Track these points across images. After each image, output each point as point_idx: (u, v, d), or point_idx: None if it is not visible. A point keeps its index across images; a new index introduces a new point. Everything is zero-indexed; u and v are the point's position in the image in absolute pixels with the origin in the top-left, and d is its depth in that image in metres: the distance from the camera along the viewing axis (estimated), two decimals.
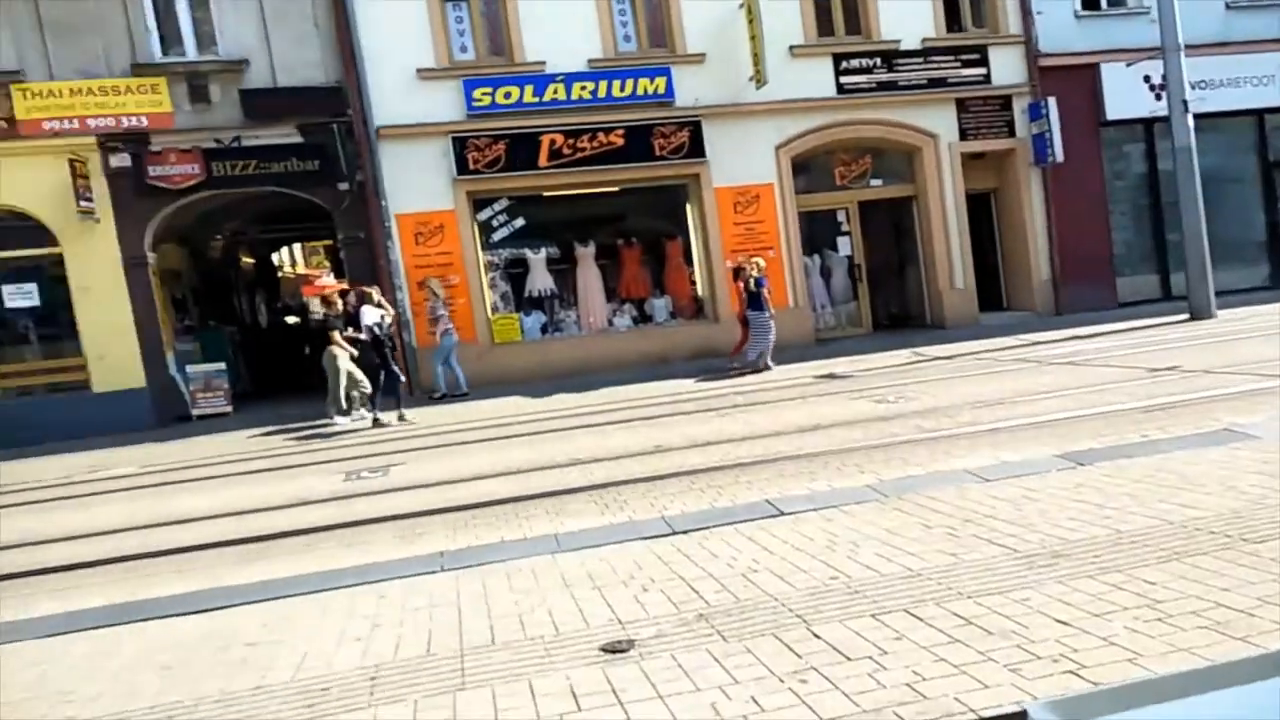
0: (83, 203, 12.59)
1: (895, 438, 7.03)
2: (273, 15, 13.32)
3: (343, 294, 12.25)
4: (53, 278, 13.23)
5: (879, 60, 15.32)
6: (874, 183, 16.20)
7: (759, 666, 3.06)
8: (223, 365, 14.14)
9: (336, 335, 11.52)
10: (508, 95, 13.94)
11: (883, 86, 15.36)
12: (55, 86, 12.76)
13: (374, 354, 11.68)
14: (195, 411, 13.49)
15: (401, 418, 11.29)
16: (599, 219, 15.43)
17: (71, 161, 12.54)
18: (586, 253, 15.08)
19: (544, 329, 15.00)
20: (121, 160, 12.98)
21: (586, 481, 6.67)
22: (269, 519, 6.59)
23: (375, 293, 12.16)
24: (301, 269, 29.09)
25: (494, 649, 3.50)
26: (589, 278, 15.13)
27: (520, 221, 14.69)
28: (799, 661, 3.07)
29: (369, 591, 4.37)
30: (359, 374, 11.56)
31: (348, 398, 11.65)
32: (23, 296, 13.27)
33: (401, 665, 3.45)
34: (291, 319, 23.83)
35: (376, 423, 11.09)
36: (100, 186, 12.90)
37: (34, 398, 13.26)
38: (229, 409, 13.64)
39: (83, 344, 13.15)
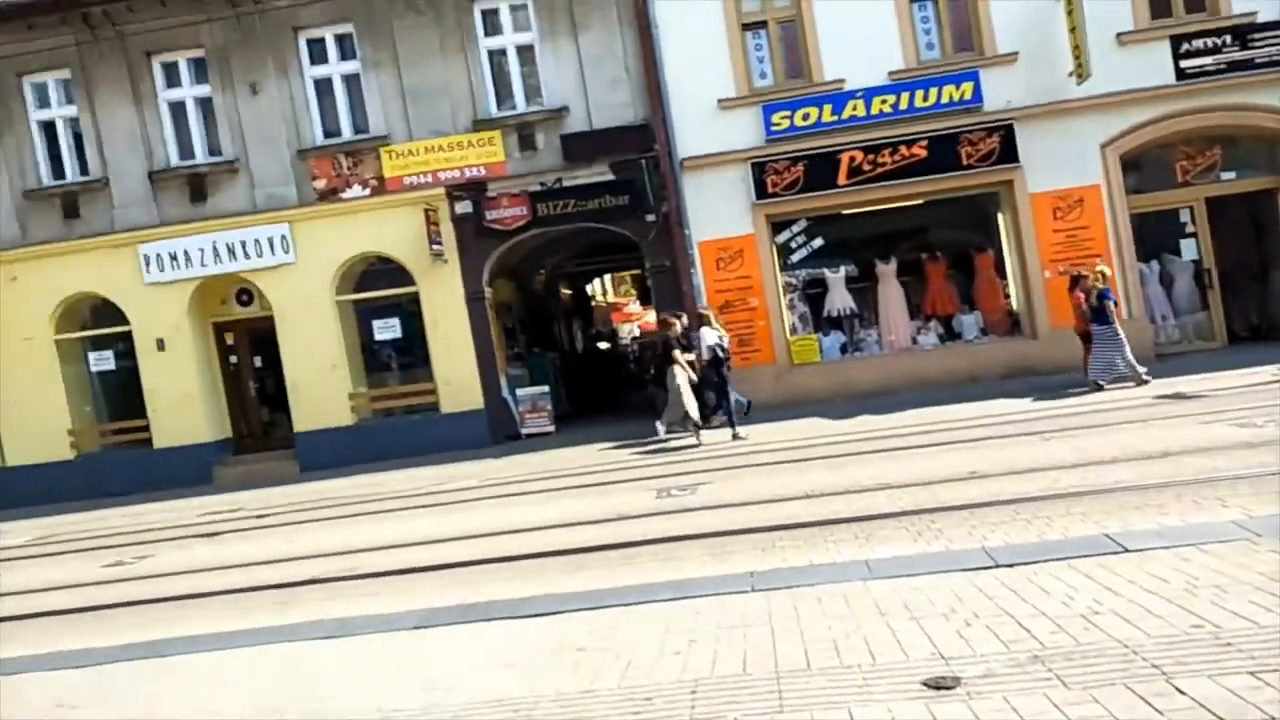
0: (434, 246, 14.36)
1: (1265, 468, 6.08)
2: (589, 64, 14.42)
3: (675, 315, 12.81)
4: (410, 313, 15.20)
5: (1228, 38, 13.43)
6: (1225, 176, 14.16)
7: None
8: (546, 388, 15.43)
9: (678, 355, 12.08)
10: (806, 116, 13.96)
11: (1234, 66, 13.43)
12: (413, 146, 14.71)
13: (713, 374, 12.11)
14: (524, 431, 14.81)
15: (735, 436, 11.54)
16: (901, 234, 14.93)
17: (426, 210, 14.36)
18: (888, 269, 14.64)
19: (843, 349, 14.75)
20: (464, 207, 14.66)
21: (896, 507, 6.45)
22: (590, 532, 7.05)
23: (713, 315, 12.64)
24: (611, 298, 31.06)
25: (810, 674, 3.48)
26: (890, 295, 14.67)
27: (819, 241, 14.60)
28: (1160, 719, 2.74)
29: (684, 607, 4.53)
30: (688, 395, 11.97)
31: (682, 416, 12.09)
32: (388, 330, 15.39)
33: (719, 682, 3.53)
34: (603, 344, 25.52)
35: (735, 437, 11.43)
36: (448, 231, 14.64)
37: (394, 418, 15.28)
38: (551, 429, 14.83)
39: (434, 370, 14.95)
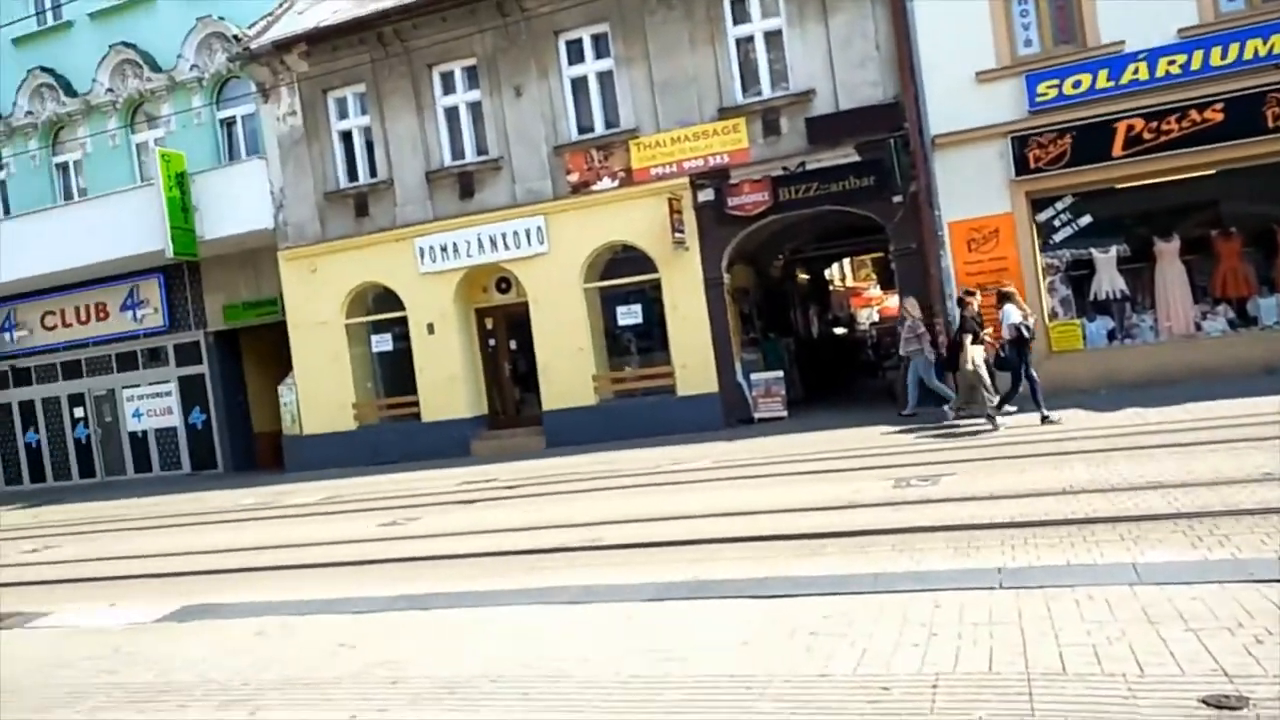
0: (676, 234, 14.66)
1: None
2: (837, 44, 14.06)
3: (968, 294, 12.21)
4: (651, 299, 15.63)
5: None
6: None
7: None
8: (781, 373, 15.33)
9: (967, 340, 11.57)
10: (1077, 84, 12.79)
11: None
12: (660, 138, 15.08)
13: (1013, 354, 11.52)
14: (756, 415, 14.80)
15: (1045, 419, 10.86)
16: (1185, 208, 13.32)
17: (669, 200, 14.68)
18: (1168, 248, 13.12)
19: (1110, 335, 13.42)
20: (706, 195, 14.84)
21: (1170, 508, 5.79)
22: (824, 518, 6.92)
23: (1015, 292, 11.96)
24: (850, 282, 30.25)
25: (1065, 679, 3.21)
26: (1171, 276, 13.14)
27: (1086, 219, 13.35)
28: None
29: (924, 599, 4.33)
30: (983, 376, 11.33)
31: (968, 399, 11.55)
32: (630, 315, 15.93)
33: (963, 679, 3.34)
34: (839, 330, 24.93)
35: (1045, 420, 10.75)
36: (689, 219, 14.89)
37: (633, 400, 15.80)
38: (784, 413, 14.70)
39: (671, 354, 15.30)
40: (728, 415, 14.71)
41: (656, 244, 15.00)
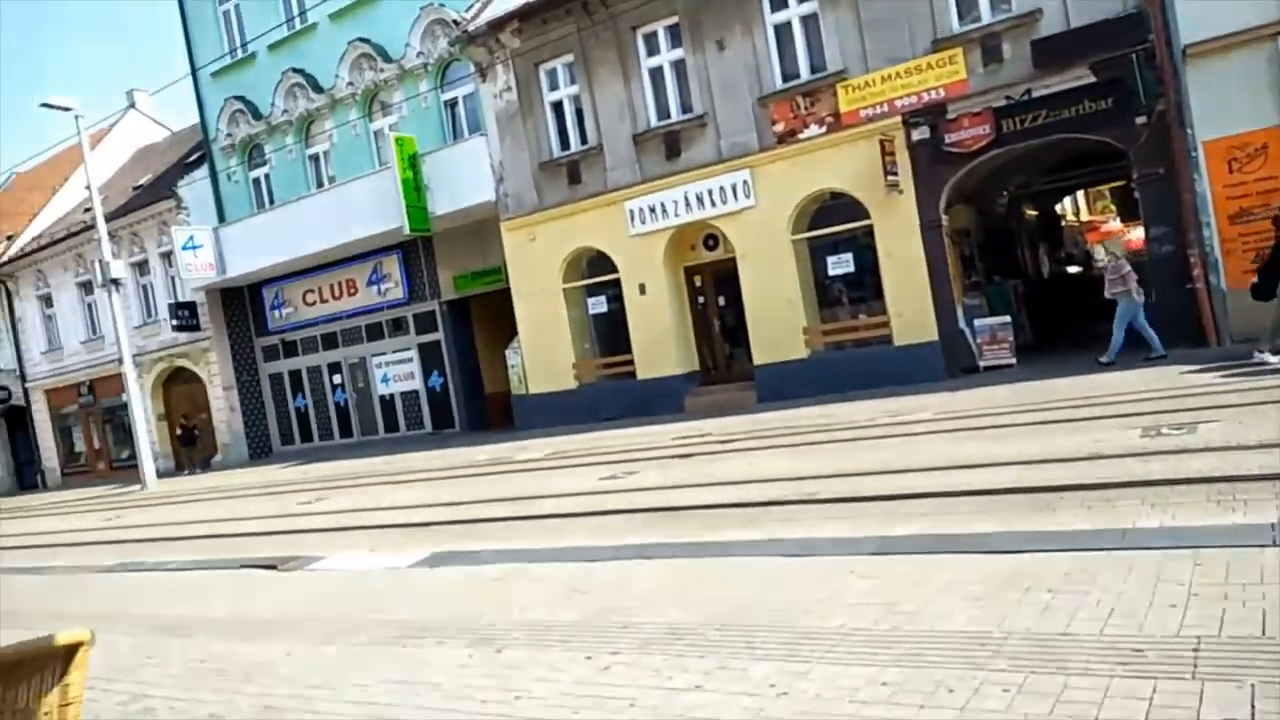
0: (889, 177, 14.06)
1: None
2: None
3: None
4: (863, 246, 15.13)
5: None
6: None
7: None
8: (1008, 318, 14.43)
9: None
10: None
11: None
12: (870, 78, 14.47)
13: None
14: (981, 363, 14.03)
15: None
16: None
17: (881, 141, 14.08)
18: None
19: None
20: (921, 133, 14.10)
21: None
22: (1061, 470, 6.48)
23: None
24: (1085, 216, 27.78)
25: None
26: None
27: None
28: None
29: (1181, 557, 3.97)
30: None
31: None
32: (841, 265, 15.52)
33: (1231, 643, 3.04)
34: (1074, 269, 23.01)
35: None
36: (903, 160, 14.22)
37: (845, 351, 15.44)
38: (1013, 360, 13.84)
39: (886, 303, 14.77)
40: (950, 364, 14.07)
41: (867, 189, 14.47)
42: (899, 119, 14.17)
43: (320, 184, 22.59)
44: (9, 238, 32.14)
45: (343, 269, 22.31)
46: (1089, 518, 5.12)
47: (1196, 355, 11.34)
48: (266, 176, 23.91)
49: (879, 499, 6.57)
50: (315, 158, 22.93)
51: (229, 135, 24.07)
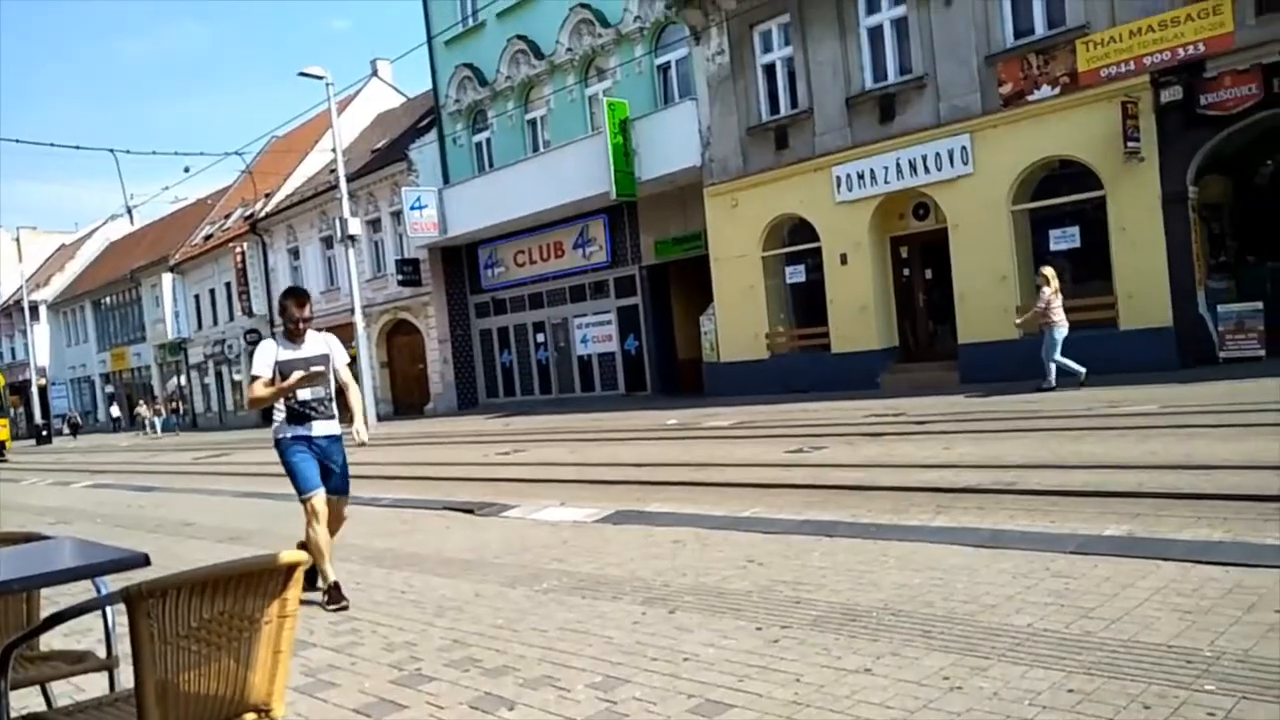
0: (1129, 144, 12.85)
1: None
2: None
3: None
4: (1092, 220, 13.97)
5: None
6: None
7: None
8: (1259, 305, 12.88)
9: None
10: None
11: None
12: (1116, 32, 13.23)
13: None
14: (1222, 354, 12.64)
15: None
16: None
17: (1124, 103, 12.87)
18: None
19: None
20: (1173, 94, 12.76)
21: None
22: None
23: None
24: None
25: None
26: None
27: None
28: None
29: None
30: None
31: None
32: (1065, 239, 14.42)
33: None
34: None
35: None
36: (1147, 125, 12.95)
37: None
38: (1261, 353, 12.38)
39: (1115, 282, 13.57)
40: (1184, 353, 12.79)
41: (1103, 156, 13.31)
42: (1146, 78, 12.90)
43: (536, 148, 23.55)
44: (266, 195, 35.89)
45: (551, 231, 23.22)
46: None
47: None
48: (488, 140, 25.21)
49: (1085, 494, 6.10)
50: (533, 122, 23.90)
51: (457, 101, 25.53)
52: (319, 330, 5.31)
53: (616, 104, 19.66)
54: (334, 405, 5.21)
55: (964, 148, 14.83)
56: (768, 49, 17.69)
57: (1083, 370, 12.29)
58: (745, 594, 4.50)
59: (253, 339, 36.05)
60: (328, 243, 30.91)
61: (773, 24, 17.49)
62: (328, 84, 23.94)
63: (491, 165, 24.68)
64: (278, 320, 5.47)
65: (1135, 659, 3.17)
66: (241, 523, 8.94)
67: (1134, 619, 3.56)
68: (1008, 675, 3.14)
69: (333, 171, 26.68)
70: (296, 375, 4.92)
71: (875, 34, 16.10)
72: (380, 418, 24.97)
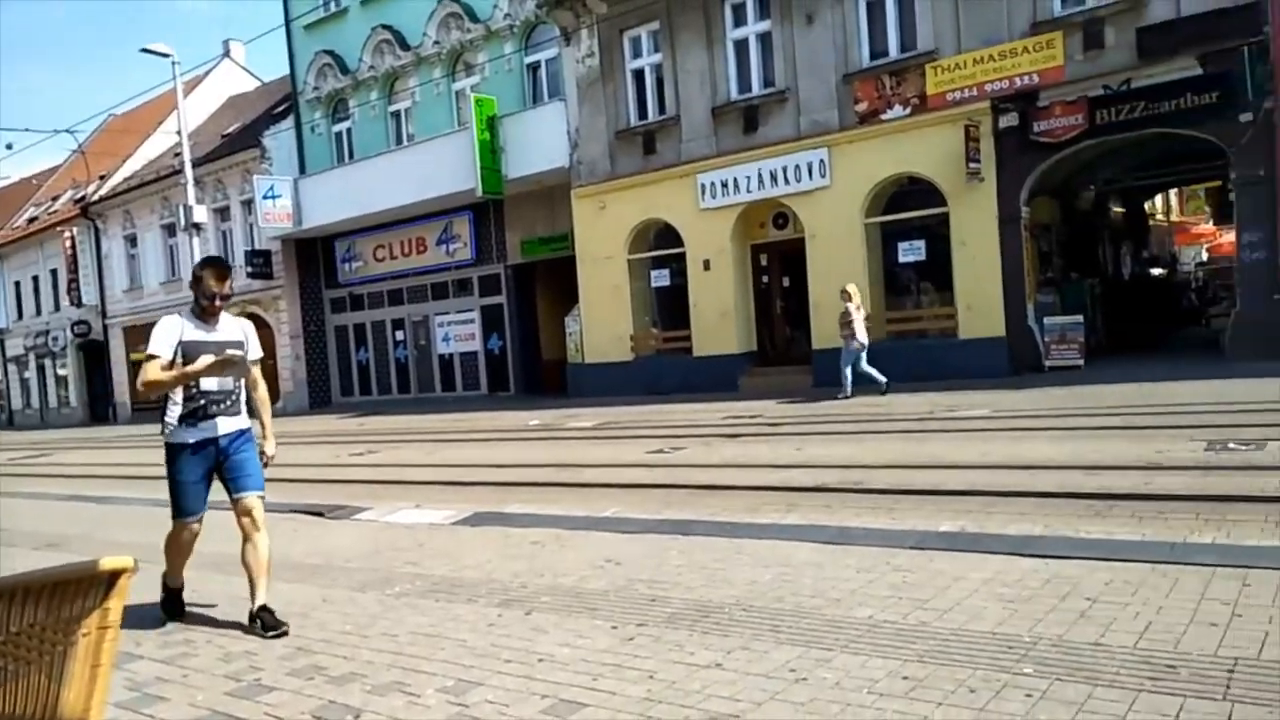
0: (971, 164, 13.67)
1: None
2: None
3: None
4: (937, 235, 14.80)
5: None
6: None
7: None
8: (1080, 318, 14.01)
9: None
10: None
11: None
12: (961, 59, 14.04)
13: None
14: (1047, 363, 13.65)
15: None
16: None
17: (966, 127, 13.68)
18: None
19: None
20: (1009, 120, 13.66)
21: None
22: (1115, 478, 6.29)
23: None
24: (1175, 216, 26.67)
25: None
26: None
27: None
28: None
29: (1229, 576, 3.82)
30: None
31: None
32: (912, 252, 15.21)
33: (1269, 667, 2.92)
34: (1157, 271, 22.16)
35: None
36: (987, 148, 13.82)
37: (909, 341, 15.17)
38: (1080, 362, 13.45)
39: (956, 295, 14.43)
40: (1015, 362, 13.74)
41: (947, 175, 14.13)
42: (987, 104, 13.77)
43: (400, 141, 22.93)
44: (101, 178, 33.43)
45: (414, 227, 22.67)
46: (1139, 529, 4.96)
47: (1276, 369, 10.80)
48: (348, 131, 24.36)
49: (924, 493, 6.46)
50: (397, 115, 23.27)
51: (316, 89, 24.55)
52: (235, 315, 4.68)
53: (484, 100, 19.40)
54: (242, 401, 4.54)
55: (822, 161, 15.43)
56: (637, 54, 17.88)
57: (884, 380, 13.06)
58: (602, 593, 4.53)
59: (82, 330, 33.51)
60: (170, 230, 29.10)
61: (642, 30, 17.69)
62: (174, 62, 22.56)
63: (352, 156, 23.88)
64: (186, 293, 4.76)
65: (964, 646, 3.38)
66: (61, 528, 8.28)
67: (964, 609, 3.78)
68: (849, 665, 3.29)
69: (177, 155, 25.15)
70: (205, 360, 4.14)
71: (741, 46, 16.54)
72: None
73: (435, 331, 23.16)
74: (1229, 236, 17.09)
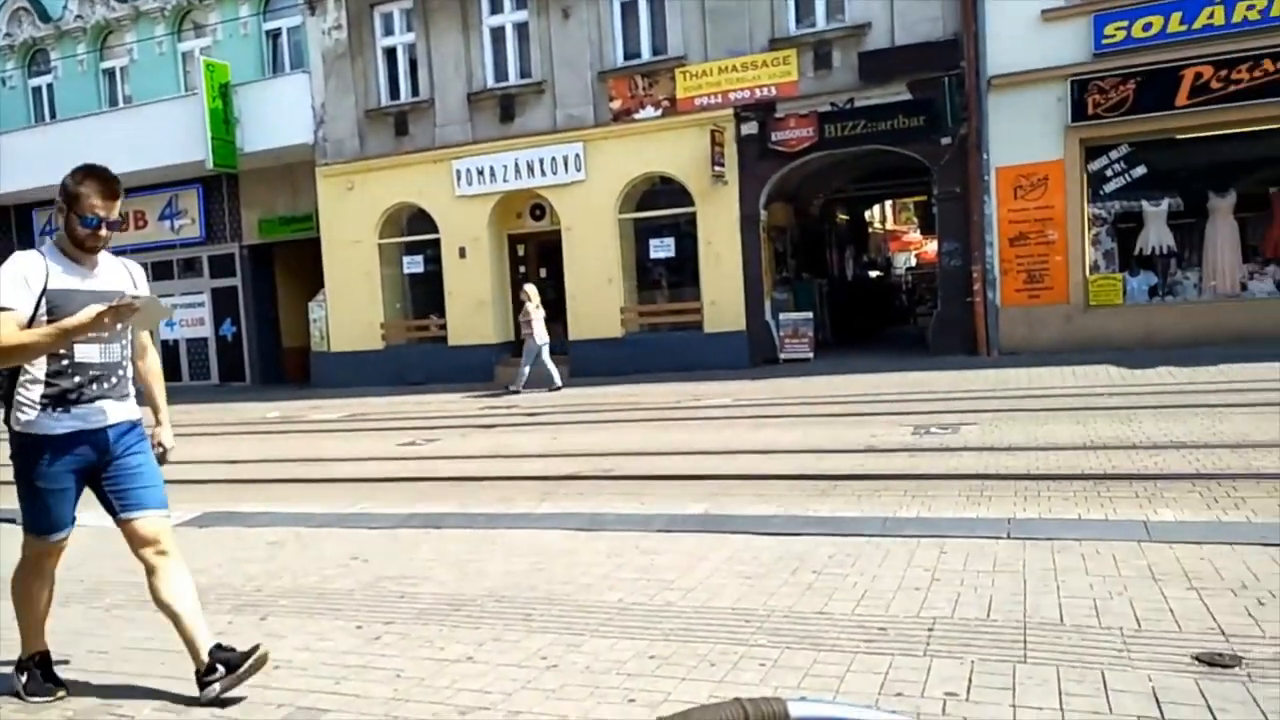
0: (716, 168, 14.40)
1: None
2: None
3: None
4: (685, 233, 15.47)
5: None
6: None
7: None
8: (810, 314, 15.22)
9: None
10: (1148, 27, 12.28)
11: None
12: (708, 67, 14.71)
13: None
14: (782, 355, 14.73)
15: None
16: (1246, 164, 12.90)
17: (712, 131, 14.38)
18: (1223, 204, 12.72)
19: (1152, 292, 13.15)
20: (750, 128, 14.52)
21: (1189, 468, 5.70)
22: (839, 461, 6.90)
23: None
24: (890, 225, 29.71)
25: (1062, 629, 3.19)
26: (1222, 233, 12.78)
27: (1140, 170, 12.95)
28: None
29: (930, 545, 4.32)
30: None
31: None
32: (663, 249, 15.80)
33: (960, 624, 3.34)
34: (875, 273, 24.64)
35: None
36: (731, 152, 14.61)
37: (659, 334, 15.79)
38: (810, 355, 14.64)
39: (702, 290, 15.18)
40: (754, 354, 14.67)
41: (695, 177, 14.79)
42: (731, 111, 14.55)
43: (114, 103, 20.53)
44: None
45: (133, 199, 20.33)
46: (858, 506, 5.48)
47: (969, 362, 12.38)
48: (50, 87, 21.47)
49: (671, 478, 6.76)
50: (110, 73, 20.80)
51: (8, 35, 21.41)
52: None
53: (216, 66, 17.83)
54: (130, 378, 3.30)
55: (578, 155, 15.63)
56: (389, 32, 17.17)
57: (559, 382, 13.92)
58: (347, 593, 4.33)
59: None
60: None
61: (394, 7, 17.02)
62: None
63: (54, 115, 21.07)
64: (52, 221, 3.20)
65: (705, 622, 3.57)
66: None
67: (706, 587, 4.00)
68: (598, 649, 3.37)
69: None
70: (89, 312, 2.88)
71: (498, 34, 16.36)
72: None
73: None
74: (933, 246, 19.23)
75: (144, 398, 3.46)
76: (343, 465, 8.65)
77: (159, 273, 20.87)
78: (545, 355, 13.95)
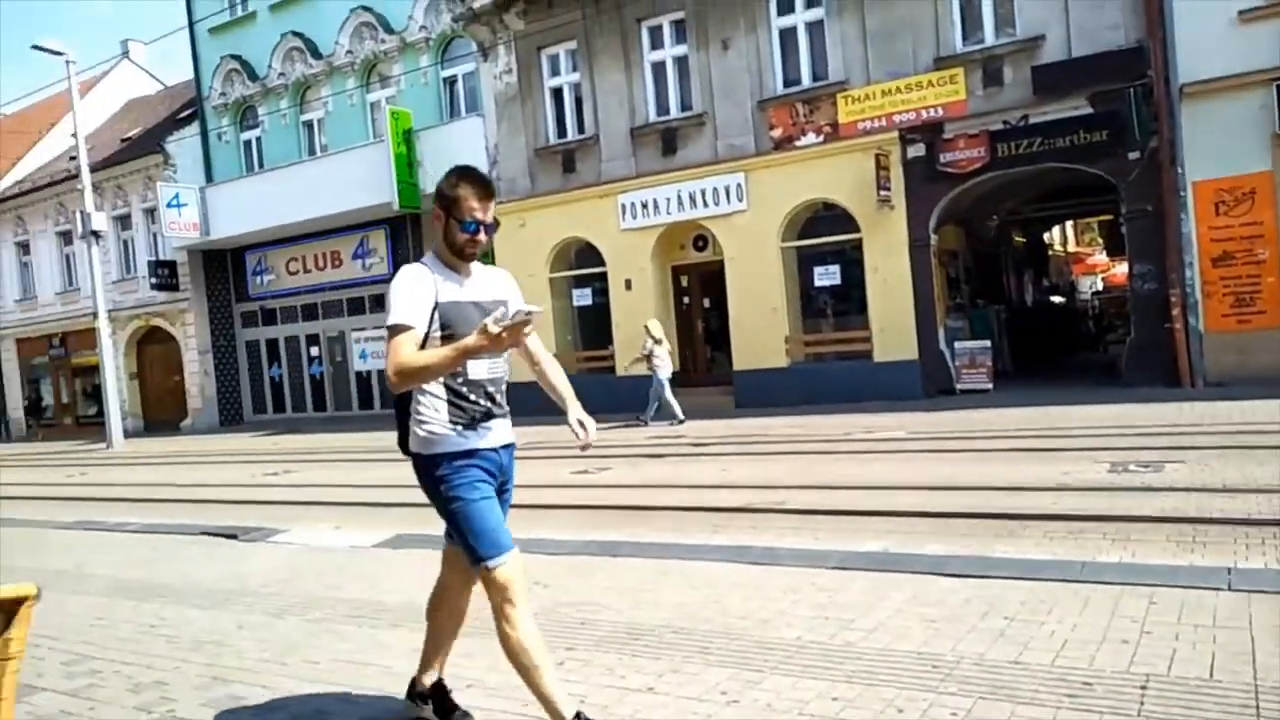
0: (882, 192, 14.09)
1: None
2: None
3: None
4: (851, 260, 15.19)
5: None
6: None
7: None
8: (988, 343, 14.54)
9: None
10: None
11: None
12: (870, 90, 14.49)
13: None
14: (959, 386, 14.12)
15: None
16: None
17: (876, 155, 14.11)
18: None
19: None
20: (917, 150, 14.15)
21: None
22: (1027, 498, 6.53)
23: None
24: (1072, 247, 28.03)
25: None
26: None
27: None
28: None
29: (1137, 594, 4.00)
30: None
31: None
32: (828, 276, 15.58)
33: (1178, 683, 3.07)
34: (1056, 299, 23.26)
35: None
36: (897, 176, 14.27)
37: (826, 363, 15.50)
38: (989, 386, 13.95)
39: (870, 318, 14.82)
40: (927, 384, 14.16)
41: (860, 202, 14.52)
42: (896, 134, 14.23)
43: (313, 152, 22.39)
44: None
45: (329, 240, 22.13)
46: (1050, 548, 5.16)
47: (1170, 394, 11.46)
48: (258, 139, 23.67)
49: (845, 513, 6.59)
50: (309, 124, 22.72)
51: (223, 94, 23.81)
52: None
53: (400, 113, 19.13)
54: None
55: (739, 185, 15.69)
56: (555, 73, 17.90)
57: (682, 416, 13.94)
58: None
59: None
60: (66, 238, 27.71)
61: (560, 49, 17.74)
62: (68, 61, 21.57)
63: (262, 165, 23.19)
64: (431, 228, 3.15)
65: (889, 665, 3.45)
66: None
67: (888, 629, 3.87)
68: (779, 686, 3.32)
69: (73, 158, 24.02)
70: (497, 327, 2.64)
71: (659, 69, 16.73)
72: (128, 434, 22.60)
73: (352, 347, 22.59)
74: (1122, 268, 18.02)
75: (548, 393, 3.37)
76: (521, 492, 8.95)
77: (352, 308, 22.51)
78: (667, 392, 14.12)
